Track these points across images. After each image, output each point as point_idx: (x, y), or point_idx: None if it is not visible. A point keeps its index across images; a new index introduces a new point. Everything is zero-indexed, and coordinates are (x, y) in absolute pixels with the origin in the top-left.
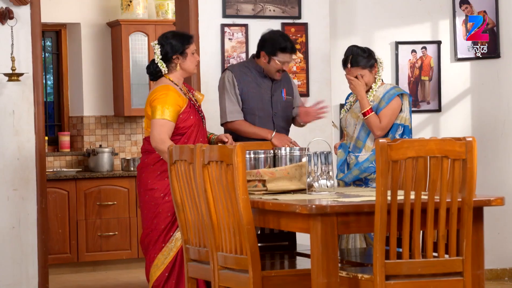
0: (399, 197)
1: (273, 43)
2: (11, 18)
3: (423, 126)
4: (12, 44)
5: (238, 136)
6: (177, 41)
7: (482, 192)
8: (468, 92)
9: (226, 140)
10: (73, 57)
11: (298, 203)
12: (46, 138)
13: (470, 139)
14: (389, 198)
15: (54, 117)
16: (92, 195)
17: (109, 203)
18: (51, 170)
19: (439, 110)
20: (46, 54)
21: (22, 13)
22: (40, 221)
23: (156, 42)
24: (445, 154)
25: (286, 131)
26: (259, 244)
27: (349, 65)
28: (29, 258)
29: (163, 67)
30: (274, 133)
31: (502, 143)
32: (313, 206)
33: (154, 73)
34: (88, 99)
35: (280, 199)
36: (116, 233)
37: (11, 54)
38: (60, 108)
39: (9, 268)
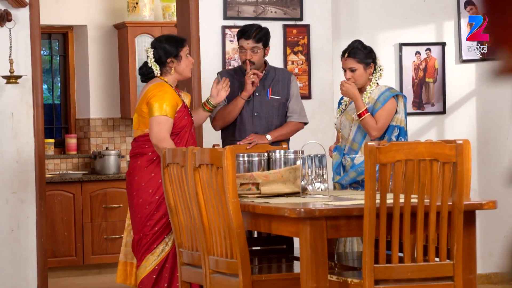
0: (388, 201)
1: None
2: (10, 20)
3: (427, 129)
4: (11, 46)
5: (225, 140)
6: (170, 44)
7: (486, 196)
8: (473, 94)
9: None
10: (80, 59)
11: (289, 206)
12: (53, 140)
13: (461, 141)
14: (378, 201)
15: (61, 120)
16: (98, 198)
17: (115, 205)
18: (57, 172)
19: (443, 112)
20: (53, 56)
21: (21, 15)
22: (39, 224)
23: (149, 46)
24: (434, 157)
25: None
26: (256, 248)
27: (346, 55)
28: (28, 261)
29: (156, 69)
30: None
31: (507, 146)
32: (302, 210)
33: (146, 74)
34: (94, 101)
35: (271, 203)
36: (122, 236)
37: (10, 56)
38: (67, 111)
39: (8, 272)
